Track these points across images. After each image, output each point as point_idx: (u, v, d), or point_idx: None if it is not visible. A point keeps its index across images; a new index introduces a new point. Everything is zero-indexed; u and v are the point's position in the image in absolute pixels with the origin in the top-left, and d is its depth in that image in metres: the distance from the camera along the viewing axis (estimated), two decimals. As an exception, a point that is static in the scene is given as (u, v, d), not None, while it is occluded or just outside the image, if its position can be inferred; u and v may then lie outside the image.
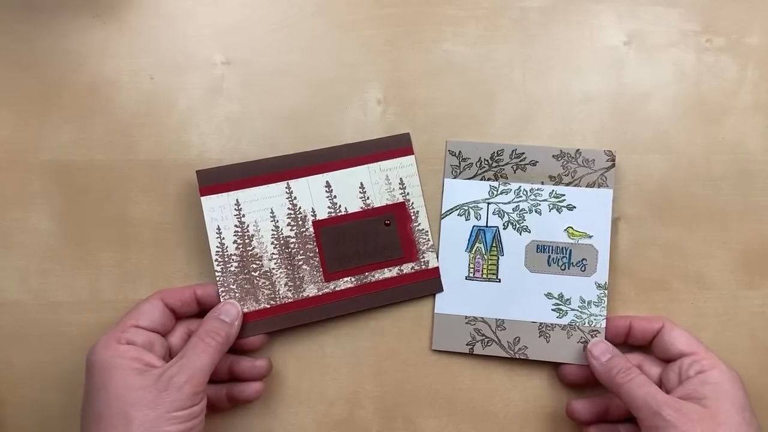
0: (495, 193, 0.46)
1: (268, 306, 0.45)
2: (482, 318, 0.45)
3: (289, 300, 0.45)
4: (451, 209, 0.46)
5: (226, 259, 0.45)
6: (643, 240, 0.47)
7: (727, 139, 0.47)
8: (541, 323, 0.45)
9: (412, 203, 0.46)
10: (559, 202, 0.45)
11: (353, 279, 0.45)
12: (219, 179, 0.45)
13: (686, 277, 0.46)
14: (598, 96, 0.47)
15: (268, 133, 0.47)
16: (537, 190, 0.46)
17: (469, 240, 0.46)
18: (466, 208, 0.46)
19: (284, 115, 0.47)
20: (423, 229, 0.46)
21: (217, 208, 0.45)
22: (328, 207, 0.45)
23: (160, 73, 0.47)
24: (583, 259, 0.45)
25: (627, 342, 0.45)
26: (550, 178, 0.46)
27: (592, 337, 0.45)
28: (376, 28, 0.48)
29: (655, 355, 0.44)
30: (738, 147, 0.47)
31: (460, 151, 0.46)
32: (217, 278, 0.45)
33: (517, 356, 0.45)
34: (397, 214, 0.46)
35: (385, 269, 0.45)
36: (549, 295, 0.45)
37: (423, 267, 0.46)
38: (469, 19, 0.48)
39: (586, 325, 0.45)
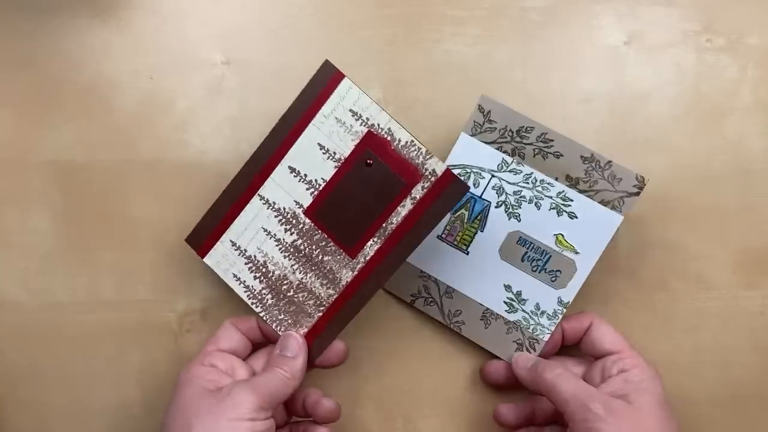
0: (504, 168, 0.44)
1: (321, 314, 0.43)
2: (435, 278, 0.45)
3: (335, 296, 0.42)
4: (454, 165, 0.44)
5: (259, 297, 0.43)
6: (643, 240, 0.47)
7: (727, 138, 0.47)
8: (487, 309, 0.45)
9: (378, 125, 0.41)
10: (563, 205, 0.44)
11: (376, 239, 0.41)
12: (205, 233, 0.43)
13: (686, 277, 0.46)
14: (598, 96, 0.47)
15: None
16: (547, 184, 0.44)
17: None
18: (468, 170, 0.44)
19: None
20: (407, 143, 0.41)
21: (222, 259, 0.43)
22: (307, 189, 0.42)
23: (160, 73, 0.47)
24: (557, 270, 0.44)
25: (562, 345, 0.45)
26: (567, 178, 0.44)
27: (531, 344, 0.44)
28: (376, 28, 0.48)
29: (583, 351, 0.44)
30: (738, 147, 0.47)
31: (489, 111, 0.44)
32: (264, 318, 0.43)
33: (451, 327, 0.45)
34: (371, 146, 0.41)
35: (399, 207, 0.41)
36: (507, 288, 0.44)
37: (432, 179, 0.40)
38: (469, 19, 0.48)
39: (530, 331, 0.44)
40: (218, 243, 0.43)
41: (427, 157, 0.40)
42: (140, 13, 0.48)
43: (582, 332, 0.44)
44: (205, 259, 0.44)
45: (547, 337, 0.44)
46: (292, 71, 0.47)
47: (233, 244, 0.43)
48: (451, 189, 0.40)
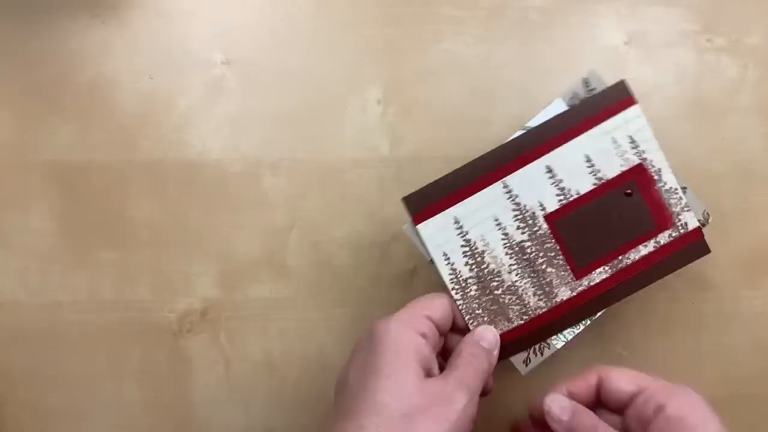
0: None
1: (522, 322, 0.41)
2: None
3: (543, 310, 0.40)
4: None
5: (463, 285, 0.41)
6: (643, 240, 0.47)
7: (727, 138, 0.47)
8: None
9: (651, 161, 0.40)
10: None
11: (607, 268, 0.40)
12: (428, 200, 0.40)
13: (687, 278, 0.46)
14: (598, 96, 0.47)
15: (268, 133, 0.47)
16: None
17: None
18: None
19: (284, 115, 0.47)
20: (671, 188, 0.40)
21: (437, 233, 0.40)
22: (557, 195, 0.40)
23: (160, 73, 0.47)
24: None
25: None
26: None
27: (541, 348, 0.41)
28: (376, 28, 0.48)
29: (609, 408, 0.39)
30: (738, 147, 0.47)
31: (593, 90, 0.40)
32: (460, 307, 0.41)
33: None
34: (637, 179, 0.40)
35: (640, 246, 0.40)
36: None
37: (682, 231, 0.40)
38: (469, 18, 0.48)
39: None
40: (439, 215, 0.40)
41: (685, 209, 0.40)
42: (140, 13, 0.48)
43: (593, 389, 0.39)
44: (419, 227, 0.40)
45: (561, 345, 0.41)
46: (292, 71, 0.47)
47: (456, 221, 0.40)
48: (694, 246, 0.40)
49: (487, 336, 0.40)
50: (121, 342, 0.46)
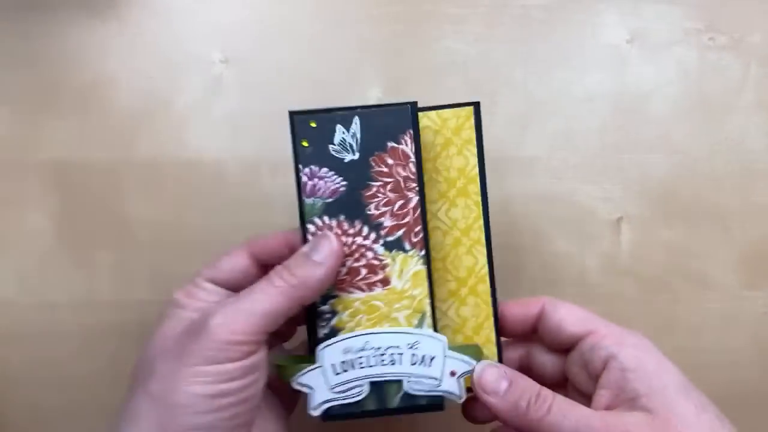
0: None
1: None
2: None
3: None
4: None
5: None
6: (645, 240, 0.46)
7: (729, 138, 0.47)
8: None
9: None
10: None
11: None
12: None
13: (689, 278, 0.46)
14: (600, 95, 0.47)
15: (268, 133, 0.47)
16: None
17: None
18: None
19: (284, 114, 0.47)
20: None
21: None
22: None
23: (159, 72, 0.47)
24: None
25: (505, 335, 0.36)
26: None
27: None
28: (376, 27, 0.47)
29: (546, 346, 0.35)
30: (741, 146, 0.47)
31: None
32: None
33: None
34: None
35: None
36: None
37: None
38: (469, 17, 0.47)
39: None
40: None
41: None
42: (139, 13, 0.48)
43: (532, 319, 0.34)
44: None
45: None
46: (291, 70, 0.47)
47: None
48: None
49: (321, 247, 0.32)
50: (120, 342, 0.46)
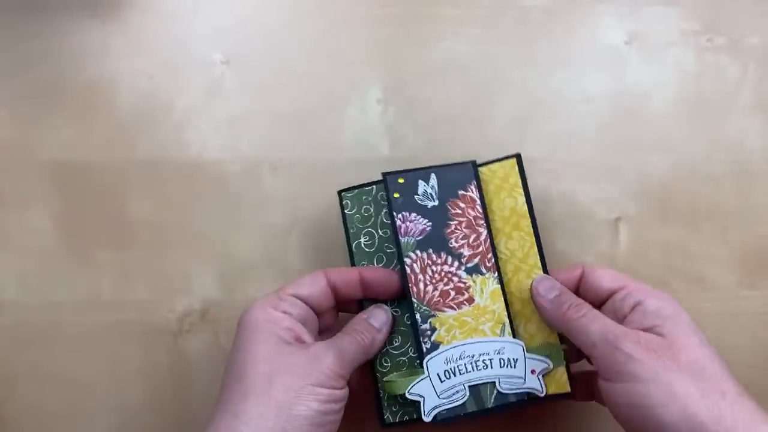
0: None
1: None
2: None
3: None
4: None
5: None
6: (643, 240, 0.46)
7: (727, 138, 0.47)
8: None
9: None
10: None
11: None
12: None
13: (687, 278, 0.46)
14: (598, 96, 0.47)
15: (268, 133, 0.47)
16: None
17: None
18: None
19: (284, 115, 0.47)
20: None
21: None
22: None
23: (160, 73, 0.47)
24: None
25: None
26: None
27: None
28: (376, 28, 0.48)
29: (587, 302, 0.40)
30: (739, 146, 0.47)
31: None
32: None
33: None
34: None
35: None
36: None
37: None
38: (469, 18, 0.48)
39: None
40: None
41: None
42: (140, 13, 0.48)
43: (575, 282, 0.40)
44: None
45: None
46: (291, 71, 0.47)
47: None
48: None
49: (378, 315, 0.40)
50: (120, 342, 0.46)
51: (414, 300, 0.40)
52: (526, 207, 0.41)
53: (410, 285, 0.40)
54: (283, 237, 0.47)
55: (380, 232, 0.42)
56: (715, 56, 0.47)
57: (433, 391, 0.38)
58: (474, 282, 0.40)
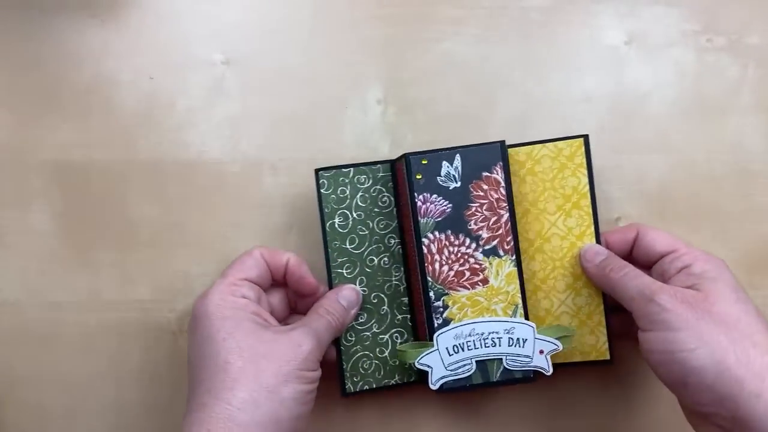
0: None
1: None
2: None
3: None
4: None
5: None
6: (643, 240, 0.46)
7: (727, 138, 0.47)
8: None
9: None
10: None
11: None
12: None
13: (687, 277, 0.46)
14: (598, 96, 0.47)
15: (268, 133, 0.47)
16: None
17: None
18: None
19: (284, 115, 0.47)
20: None
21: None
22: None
23: (160, 73, 0.47)
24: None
25: None
26: None
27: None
28: (376, 28, 0.47)
29: (639, 263, 0.42)
30: (739, 147, 0.47)
31: None
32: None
33: None
34: None
35: None
36: None
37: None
38: (469, 18, 0.48)
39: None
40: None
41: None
42: (140, 13, 0.48)
43: (630, 243, 0.42)
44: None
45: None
46: (291, 71, 0.47)
47: None
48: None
49: (350, 296, 0.42)
50: (120, 342, 0.46)
51: (429, 278, 0.41)
52: (588, 188, 0.42)
53: (426, 264, 0.41)
54: (283, 237, 0.47)
55: (354, 215, 0.43)
56: (715, 56, 0.47)
57: (441, 363, 0.41)
58: (490, 264, 0.41)
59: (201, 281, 0.46)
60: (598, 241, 0.42)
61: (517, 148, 0.43)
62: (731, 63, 0.47)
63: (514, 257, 0.41)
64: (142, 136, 0.47)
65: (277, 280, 0.43)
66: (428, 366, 0.41)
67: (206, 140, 0.47)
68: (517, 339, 0.41)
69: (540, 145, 0.43)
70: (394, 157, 0.45)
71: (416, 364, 0.41)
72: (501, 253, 0.41)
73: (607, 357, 0.42)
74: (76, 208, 0.47)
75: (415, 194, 0.41)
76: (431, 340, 0.41)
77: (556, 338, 0.41)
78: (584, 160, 0.42)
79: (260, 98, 0.47)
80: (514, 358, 0.41)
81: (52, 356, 0.46)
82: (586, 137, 0.42)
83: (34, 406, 0.46)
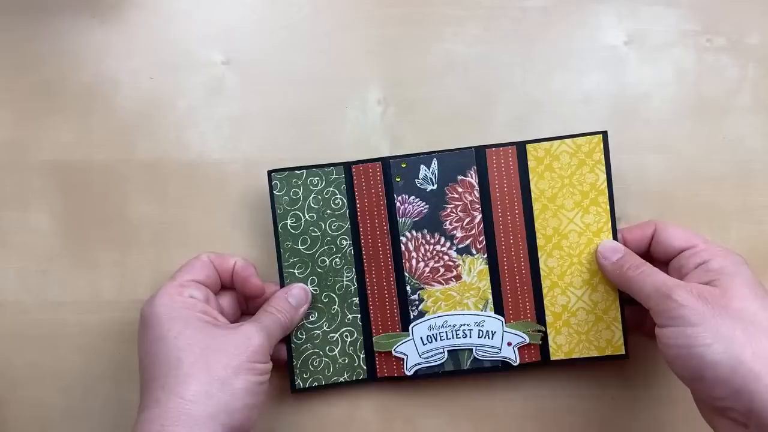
0: None
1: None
2: None
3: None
4: None
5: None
6: (643, 240, 0.47)
7: (727, 138, 0.47)
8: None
9: None
10: None
11: None
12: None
13: (686, 277, 0.46)
14: (598, 96, 0.47)
15: (268, 133, 0.47)
16: None
17: None
18: None
19: (284, 115, 0.47)
20: None
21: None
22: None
23: (160, 73, 0.47)
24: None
25: None
26: None
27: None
28: (376, 28, 0.48)
29: (657, 259, 0.42)
30: (738, 147, 0.47)
31: None
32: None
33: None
34: None
35: None
36: None
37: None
38: (469, 19, 0.48)
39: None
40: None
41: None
42: (140, 13, 0.48)
43: (648, 239, 0.42)
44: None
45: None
46: (291, 71, 0.47)
47: None
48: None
49: (298, 294, 0.44)
50: (121, 342, 0.46)
51: (406, 273, 0.44)
52: (606, 184, 0.43)
53: (404, 261, 0.44)
54: (283, 237, 0.47)
55: (307, 216, 0.45)
56: (715, 56, 0.47)
57: (415, 351, 0.44)
58: (463, 261, 0.44)
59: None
60: (615, 238, 0.43)
61: (535, 144, 0.44)
62: (731, 63, 0.47)
63: (485, 256, 0.43)
64: (142, 136, 0.47)
65: (226, 284, 0.44)
66: (404, 354, 0.44)
67: (206, 140, 0.47)
68: (487, 331, 0.43)
69: (559, 141, 0.44)
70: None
71: (393, 353, 0.44)
72: (473, 251, 0.44)
73: (623, 352, 0.43)
74: (76, 208, 0.47)
75: (395, 195, 0.44)
76: (406, 330, 0.44)
77: (523, 332, 0.43)
78: (602, 157, 0.43)
79: (260, 98, 0.47)
80: (483, 348, 0.43)
81: (52, 356, 0.46)
82: (604, 133, 0.43)
83: (34, 406, 0.46)
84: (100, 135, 0.47)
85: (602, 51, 0.48)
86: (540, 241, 0.44)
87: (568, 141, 0.43)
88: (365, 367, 0.45)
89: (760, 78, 0.47)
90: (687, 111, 0.47)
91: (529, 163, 0.44)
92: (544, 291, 0.44)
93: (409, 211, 0.44)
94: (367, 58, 0.47)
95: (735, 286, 0.37)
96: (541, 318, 0.44)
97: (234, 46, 0.47)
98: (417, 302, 0.44)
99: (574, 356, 0.44)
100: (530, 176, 0.43)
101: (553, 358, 0.44)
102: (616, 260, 0.42)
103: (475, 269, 0.43)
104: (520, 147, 0.44)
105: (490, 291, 0.43)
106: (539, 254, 0.44)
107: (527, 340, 0.43)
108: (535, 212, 0.44)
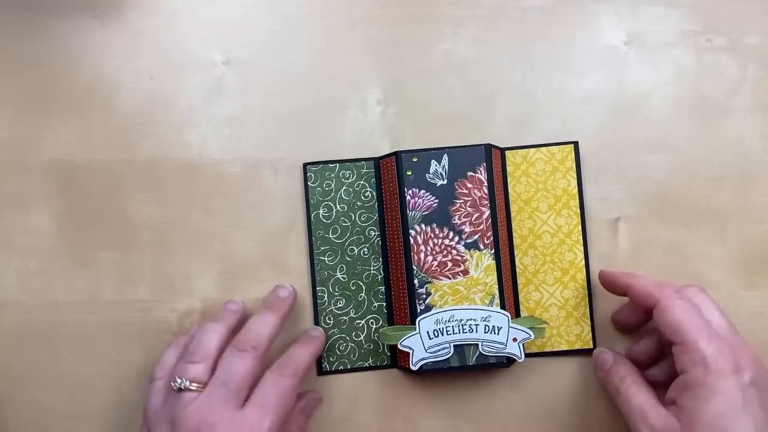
0: None
1: None
2: None
3: None
4: None
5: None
6: (642, 240, 0.47)
7: (727, 138, 0.47)
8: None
9: None
10: None
11: None
12: None
13: (686, 278, 0.46)
14: (598, 96, 0.47)
15: (268, 133, 0.47)
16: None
17: None
18: None
19: (284, 115, 0.47)
20: None
21: None
22: None
23: (160, 73, 0.47)
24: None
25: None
26: None
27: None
28: (376, 28, 0.48)
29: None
30: (738, 147, 0.47)
31: None
32: None
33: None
34: None
35: None
36: None
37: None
38: (469, 19, 0.48)
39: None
40: None
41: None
42: (140, 13, 0.48)
43: (647, 308, 0.41)
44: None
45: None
46: (291, 71, 0.47)
47: None
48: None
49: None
50: (121, 342, 0.46)
51: (414, 267, 0.44)
52: (577, 189, 0.46)
53: (412, 254, 0.44)
54: (283, 237, 0.47)
55: (338, 207, 0.46)
56: (715, 56, 0.47)
57: (421, 345, 0.44)
58: (471, 256, 0.44)
59: (201, 281, 0.46)
60: (585, 240, 0.46)
61: (514, 151, 0.46)
62: (731, 63, 0.47)
63: (493, 251, 0.44)
64: (142, 136, 0.47)
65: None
66: (410, 348, 0.44)
67: (206, 140, 0.47)
68: (493, 326, 0.44)
69: (535, 149, 0.46)
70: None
71: (399, 346, 0.44)
72: (481, 246, 0.44)
73: (591, 346, 0.46)
74: (76, 208, 0.47)
75: (405, 189, 0.44)
76: (413, 324, 0.43)
77: (528, 328, 0.43)
78: (574, 165, 0.46)
79: (260, 98, 0.47)
80: (489, 344, 0.43)
81: (52, 356, 0.46)
82: (575, 143, 0.46)
83: (34, 406, 0.46)
84: (100, 135, 0.47)
85: (602, 51, 0.48)
86: (516, 240, 0.46)
87: (542, 149, 0.46)
88: (389, 354, 0.46)
89: (759, 78, 0.47)
90: (687, 111, 0.47)
91: (507, 168, 0.46)
92: (519, 287, 0.46)
93: (419, 204, 0.44)
94: (367, 58, 0.47)
95: (701, 419, 0.36)
96: (517, 313, 0.46)
97: (234, 46, 0.48)
98: (424, 296, 0.44)
99: (546, 350, 0.46)
100: (508, 180, 0.46)
101: (526, 351, 0.44)
102: (608, 369, 0.43)
103: (482, 264, 0.44)
104: (503, 152, 0.46)
105: (497, 286, 0.44)
106: (515, 252, 0.46)
107: (532, 336, 0.43)
108: (513, 213, 0.46)
